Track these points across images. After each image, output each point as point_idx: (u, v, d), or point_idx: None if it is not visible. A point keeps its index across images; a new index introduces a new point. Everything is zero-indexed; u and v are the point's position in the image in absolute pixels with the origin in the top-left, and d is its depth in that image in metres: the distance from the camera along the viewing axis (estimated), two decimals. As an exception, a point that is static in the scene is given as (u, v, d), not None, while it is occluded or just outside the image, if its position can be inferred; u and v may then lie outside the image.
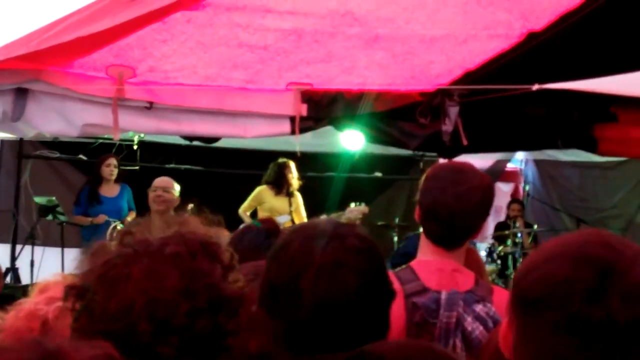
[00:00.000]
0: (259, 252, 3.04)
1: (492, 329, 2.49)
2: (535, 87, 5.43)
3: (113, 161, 8.56)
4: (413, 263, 2.81)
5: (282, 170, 8.92)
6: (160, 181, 7.11)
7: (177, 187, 7.06)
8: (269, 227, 3.45)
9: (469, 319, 2.56)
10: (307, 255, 1.88)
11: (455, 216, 2.72)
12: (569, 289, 1.32)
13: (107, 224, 8.43)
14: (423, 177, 2.85)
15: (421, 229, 2.89)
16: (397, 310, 2.35)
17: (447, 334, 2.55)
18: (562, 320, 1.32)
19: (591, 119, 6.69)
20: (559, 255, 1.37)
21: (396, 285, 2.13)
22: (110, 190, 8.67)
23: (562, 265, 1.35)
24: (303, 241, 1.92)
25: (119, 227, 8.12)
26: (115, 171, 8.61)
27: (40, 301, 2.02)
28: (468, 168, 2.86)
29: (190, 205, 6.86)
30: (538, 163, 11.65)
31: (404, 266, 2.83)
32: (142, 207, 7.99)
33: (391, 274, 2.24)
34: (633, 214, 10.51)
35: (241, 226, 3.70)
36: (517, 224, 10.44)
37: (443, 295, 2.60)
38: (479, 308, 2.59)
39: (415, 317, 2.61)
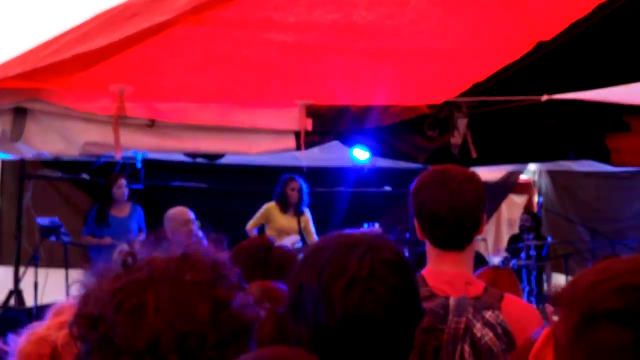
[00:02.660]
0: (256, 267, 2.99)
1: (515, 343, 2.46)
2: (545, 97, 5.35)
3: (123, 182, 8.51)
4: (423, 272, 2.81)
5: (284, 186, 8.80)
6: (187, 214, 7.10)
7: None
8: (263, 243, 3.38)
9: (478, 325, 2.52)
10: (341, 263, 1.86)
11: (458, 213, 2.74)
12: None
13: (114, 246, 8.32)
14: (411, 192, 2.85)
15: (426, 243, 2.86)
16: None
17: (456, 339, 2.51)
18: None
19: (603, 128, 6.59)
20: (628, 269, 1.24)
21: None
22: (120, 210, 8.60)
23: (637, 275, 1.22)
24: (338, 248, 1.90)
25: (124, 250, 8.03)
26: (127, 191, 8.56)
27: (52, 326, 2.00)
28: (449, 167, 2.89)
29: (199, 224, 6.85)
30: (552, 174, 11.52)
31: None
32: (150, 227, 7.92)
33: None
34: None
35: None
36: (530, 236, 10.31)
37: (452, 301, 2.58)
38: (488, 314, 2.55)
39: (423, 323, 2.55)
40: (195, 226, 7.18)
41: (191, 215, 7.22)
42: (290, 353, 1.41)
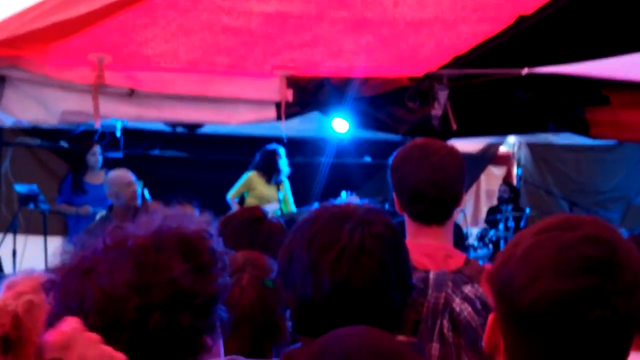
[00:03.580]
0: (242, 240, 2.98)
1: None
2: (525, 71, 5.36)
3: (97, 149, 8.46)
4: None
5: (273, 157, 8.80)
6: (127, 176, 7.07)
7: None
8: (254, 215, 3.36)
9: (457, 299, 2.53)
10: (332, 235, 1.86)
11: (439, 187, 2.74)
12: (574, 301, 1.26)
13: (93, 214, 8.32)
14: (391, 166, 2.85)
15: (405, 217, 2.85)
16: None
17: (435, 314, 2.52)
18: (568, 331, 1.27)
19: (582, 101, 6.58)
20: (554, 265, 1.29)
21: None
22: (95, 178, 8.55)
23: (561, 275, 1.28)
24: (330, 220, 1.90)
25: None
26: (100, 158, 8.52)
27: (8, 297, 2.00)
28: (429, 141, 2.90)
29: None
30: (531, 146, 11.56)
31: None
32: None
33: None
34: (632, 197, 10.42)
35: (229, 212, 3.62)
36: (509, 208, 10.37)
37: (431, 275, 2.58)
38: (467, 289, 2.56)
39: None
40: (139, 187, 7.13)
41: (133, 177, 7.18)
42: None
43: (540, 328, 1.28)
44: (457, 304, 2.51)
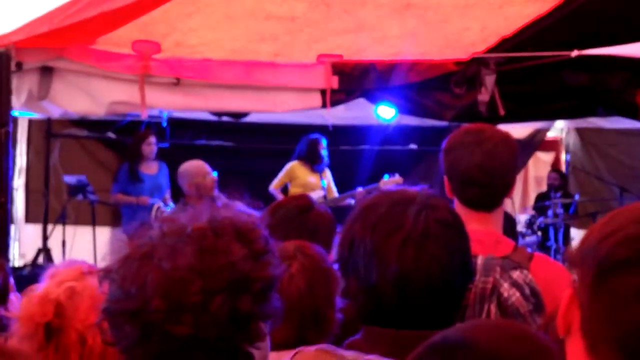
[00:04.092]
0: (290, 229, 2.95)
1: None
2: (575, 53, 5.27)
3: (153, 139, 8.47)
4: None
5: (315, 146, 8.79)
6: (202, 166, 7.06)
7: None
8: (302, 204, 3.34)
9: (506, 285, 2.44)
10: (396, 220, 1.82)
11: (491, 174, 2.68)
12: None
13: (150, 205, 8.34)
14: (443, 150, 2.79)
15: (455, 202, 2.79)
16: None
17: (482, 299, 2.44)
18: None
19: (633, 84, 6.47)
20: (630, 220, 1.24)
21: None
22: (149, 168, 8.57)
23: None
24: (393, 205, 1.85)
25: (161, 207, 8.06)
26: (155, 149, 8.54)
27: (50, 285, 2.00)
28: (484, 127, 2.83)
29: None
30: (580, 131, 11.35)
31: None
32: (175, 185, 7.92)
33: None
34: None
35: (274, 202, 3.59)
36: (557, 194, 10.24)
37: (479, 260, 2.48)
38: (516, 274, 2.46)
39: None
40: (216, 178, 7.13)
41: (207, 168, 7.16)
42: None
43: (619, 276, 1.21)
44: (505, 289, 2.43)
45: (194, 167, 7.08)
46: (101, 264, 1.66)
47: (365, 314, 1.86)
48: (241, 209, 1.64)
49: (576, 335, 1.30)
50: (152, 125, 8.19)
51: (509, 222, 8.05)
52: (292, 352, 1.77)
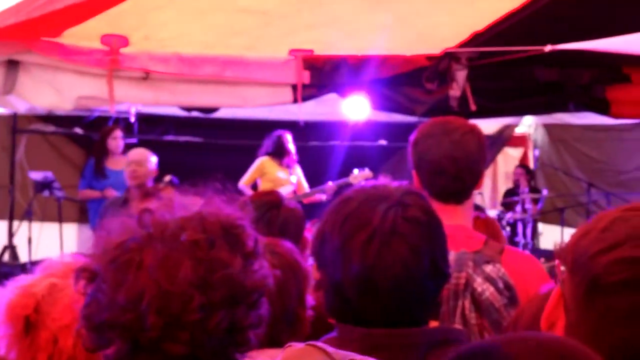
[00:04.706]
0: (258, 225, 2.91)
1: (526, 299, 2.39)
2: (548, 48, 5.26)
3: (119, 133, 8.40)
4: None
5: (281, 141, 8.79)
6: (134, 155, 6.83)
7: (151, 159, 6.79)
8: (271, 199, 3.29)
9: (479, 279, 2.46)
10: (364, 217, 1.78)
11: (460, 164, 2.69)
12: None
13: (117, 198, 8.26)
14: (411, 143, 2.80)
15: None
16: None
17: (456, 295, 2.45)
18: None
19: (603, 80, 6.50)
20: (629, 236, 1.24)
21: None
22: (116, 163, 8.49)
23: (638, 245, 1.23)
24: (365, 201, 1.82)
25: None
26: (122, 143, 8.47)
27: (38, 279, 1.95)
28: (451, 118, 2.85)
29: (167, 178, 6.70)
30: (548, 127, 11.46)
31: None
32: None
33: None
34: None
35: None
36: (525, 190, 10.29)
37: (452, 256, 2.46)
38: (489, 269, 2.48)
39: None
40: (140, 168, 6.83)
41: (139, 157, 6.76)
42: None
43: (612, 295, 1.23)
44: (479, 283, 2.45)
45: (131, 154, 6.86)
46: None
47: (335, 311, 1.83)
48: (222, 204, 1.57)
49: (559, 334, 1.32)
50: (121, 121, 8.10)
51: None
52: (275, 350, 1.72)
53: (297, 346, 1.52)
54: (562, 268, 1.34)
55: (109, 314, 1.40)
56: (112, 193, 8.14)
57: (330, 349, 1.50)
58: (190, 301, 1.38)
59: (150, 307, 1.37)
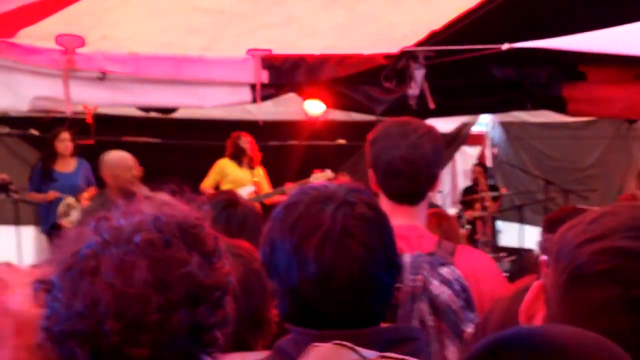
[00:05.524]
0: (217, 224, 2.89)
1: (495, 299, 2.39)
2: (506, 46, 5.30)
3: (67, 135, 8.32)
4: None
5: (236, 141, 8.78)
6: (125, 158, 6.74)
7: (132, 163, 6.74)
8: (227, 198, 3.28)
9: (435, 282, 2.47)
10: (313, 219, 1.78)
11: (415, 166, 2.72)
12: (635, 261, 1.20)
13: (59, 200, 8.17)
14: (368, 142, 2.82)
15: (380, 196, 2.81)
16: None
17: (413, 298, 2.46)
18: (625, 295, 1.20)
19: (560, 78, 6.55)
20: (624, 229, 1.23)
21: None
22: (65, 165, 8.42)
23: (625, 237, 1.22)
24: (311, 203, 1.81)
25: (72, 203, 7.86)
26: (70, 145, 8.37)
27: None
28: (409, 119, 2.88)
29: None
30: (504, 125, 11.57)
31: None
32: (100, 182, 7.76)
33: None
34: (613, 172, 10.41)
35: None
36: (481, 187, 10.38)
37: (407, 259, 2.51)
38: (444, 271, 2.49)
39: None
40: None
41: (123, 162, 6.82)
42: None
43: (594, 285, 1.22)
44: (436, 286, 2.45)
45: (116, 158, 6.76)
46: (25, 265, 1.56)
47: (291, 316, 1.82)
48: (179, 205, 1.55)
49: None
50: (77, 122, 8.01)
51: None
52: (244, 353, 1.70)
53: (323, 346, 1.49)
54: (545, 258, 1.34)
55: (67, 323, 1.37)
56: (54, 195, 8.05)
57: (358, 348, 1.48)
58: (148, 302, 1.35)
59: (108, 311, 1.34)
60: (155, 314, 1.35)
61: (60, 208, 7.85)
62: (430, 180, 2.78)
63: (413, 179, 2.73)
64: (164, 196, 1.58)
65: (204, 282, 1.41)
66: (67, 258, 1.42)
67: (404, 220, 2.71)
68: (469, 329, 2.37)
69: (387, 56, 6.24)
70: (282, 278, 1.80)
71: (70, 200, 8.04)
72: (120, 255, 1.38)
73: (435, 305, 2.44)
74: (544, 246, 1.38)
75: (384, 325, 1.85)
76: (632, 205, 1.31)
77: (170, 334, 1.37)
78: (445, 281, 2.46)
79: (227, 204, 3.18)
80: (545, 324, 1.29)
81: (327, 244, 1.75)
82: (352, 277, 1.75)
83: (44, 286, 1.44)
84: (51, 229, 8.12)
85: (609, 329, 1.17)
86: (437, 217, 4.35)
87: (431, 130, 2.81)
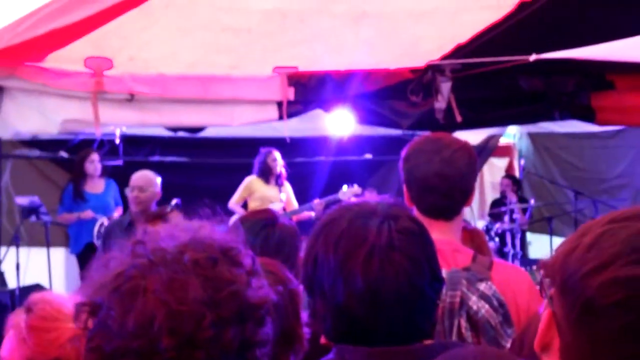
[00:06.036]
0: (254, 244, 2.89)
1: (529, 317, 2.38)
2: (533, 57, 5.27)
3: (95, 156, 8.41)
4: None
5: (265, 158, 8.81)
6: (137, 180, 6.71)
7: (156, 182, 6.70)
8: (266, 217, 3.27)
9: (474, 298, 2.46)
10: (358, 234, 1.77)
11: (450, 182, 2.73)
12: None
13: (94, 220, 8.25)
14: (402, 158, 2.84)
15: (414, 211, 2.80)
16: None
17: (452, 314, 2.45)
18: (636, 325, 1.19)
19: (588, 88, 6.52)
20: (627, 252, 1.22)
21: None
22: (95, 186, 8.50)
23: (629, 262, 1.21)
24: (354, 219, 1.81)
25: (105, 224, 7.92)
26: (99, 166, 8.46)
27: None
28: (443, 135, 2.91)
29: (174, 201, 6.64)
30: (532, 136, 11.51)
31: None
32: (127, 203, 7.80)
33: None
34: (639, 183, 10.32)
35: (235, 217, 3.52)
36: (510, 200, 10.31)
37: (444, 274, 2.46)
38: (482, 286, 2.49)
39: None
40: (143, 194, 6.69)
41: (142, 182, 6.62)
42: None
43: (607, 316, 1.21)
44: (474, 302, 2.45)
45: (136, 177, 6.74)
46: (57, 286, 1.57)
47: (336, 334, 1.81)
48: (214, 227, 1.57)
49: (555, 355, 1.31)
50: (106, 143, 8.08)
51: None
52: None
53: None
54: (549, 284, 1.33)
55: (120, 341, 1.37)
56: (89, 215, 8.12)
57: None
58: (203, 319, 1.36)
59: (162, 329, 1.35)
60: (210, 330, 1.36)
61: (96, 229, 7.91)
62: (464, 196, 2.79)
63: (448, 195, 2.74)
64: (197, 220, 1.59)
65: (250, 300, 1.42)
66: (110, 279, 1.42)
67: (439, 235, 2.68)
68: (508, 344, 2.36)
69: (413, 70, 6.24)
70: (327, 295, 1.79)
71: (104, 219, 8.12)
72: (169, 274, 1.39)
73: (474, 321, 2.44)
74: (544, 265, 1.39)
75: (427, 342, 1.85)
76: (623, 216, 1.29)
77: (222, 350, 1.37)
78: (483, 296, 2.46)
79: (265, 224, 3.18)
80: (562, 354, 1.29)
81: (374, 259, 1.74)
82: (399, 291, 1.75)
83: (87, 308, 1.44)
84: (85, 249, 8.20)
85: (631, 355, 1.19)
86: (470, 232, 4.34)
87: (465, 145, 2.83)
